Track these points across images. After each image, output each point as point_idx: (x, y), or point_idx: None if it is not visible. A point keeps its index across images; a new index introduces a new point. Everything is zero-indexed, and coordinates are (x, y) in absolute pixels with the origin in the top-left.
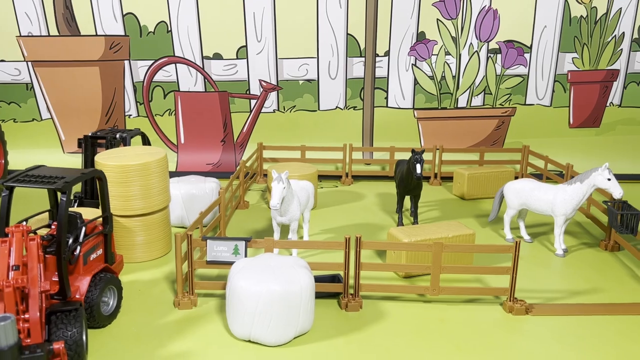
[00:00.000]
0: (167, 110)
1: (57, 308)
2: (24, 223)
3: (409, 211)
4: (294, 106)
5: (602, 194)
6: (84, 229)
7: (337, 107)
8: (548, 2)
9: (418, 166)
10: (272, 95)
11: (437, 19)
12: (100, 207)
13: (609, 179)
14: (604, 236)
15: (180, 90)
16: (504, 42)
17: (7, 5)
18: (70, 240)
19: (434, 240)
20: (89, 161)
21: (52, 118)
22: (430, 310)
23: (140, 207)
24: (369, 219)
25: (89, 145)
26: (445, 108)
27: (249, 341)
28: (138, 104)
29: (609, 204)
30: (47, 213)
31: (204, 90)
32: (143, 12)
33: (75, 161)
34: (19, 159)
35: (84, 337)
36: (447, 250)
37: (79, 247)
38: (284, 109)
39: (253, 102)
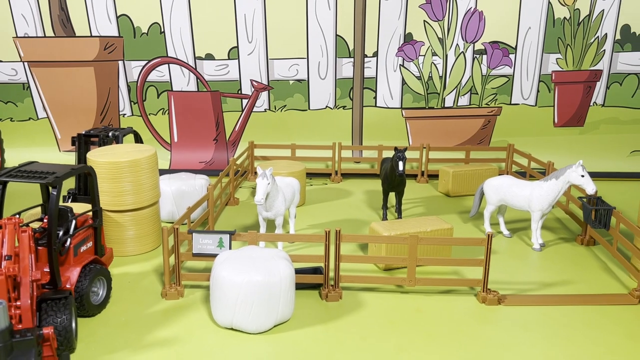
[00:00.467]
0: (160, 110)
1: (47, 296)
2: (17, 216)
3: (394, 207)
4: (285, 105)
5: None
6: (74, 222)
7: (327, 106)
8: (532, 4)
9: (400, 163)
10: (263, 95)
11: (424, 21)
12: (90, 201)
13: (582, 176)
14: (580, 231)
15: (174, 90)
16: (489, 43)
17: (4, 6)
18: (61, 233)
19: (412, 234)
20: (82, 159)
21: (48, 117)
22: (407, 301)
23: (131, 203)
24: (355, 215)
25: (82, 144)
26: (432, 108)
27: (232, 329)
28: (132, 103)
29: (584, 200)
30: (39, 207)
31: (196, 90)
32: (137, 14)
33: (70, 159)
34: (15, 157)
35: (73, 324)
36: (422, 243)
37: (69, 239)
38: (275, 109)
39: (245, 101)
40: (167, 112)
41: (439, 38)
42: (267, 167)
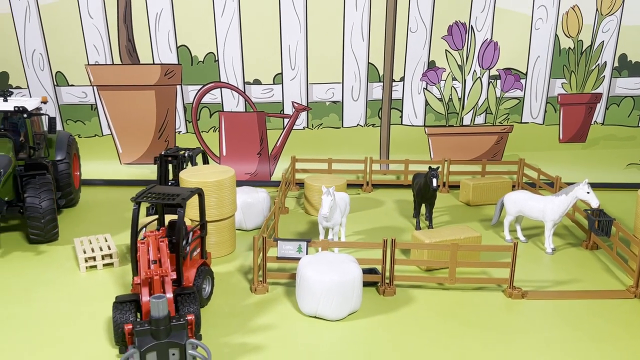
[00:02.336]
0: (212, 128)
1: (179, 291)
2: (144, 229)
3: (424, 216)
4: (321, 124)
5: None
6: (190, 233)
7: (358, 124)
8: (541, 36)
9: (434, 180)
10: (303, 115)
11: (446, 50)
12: (199, 215)
13: (588, 192)
14: (585, 237)
15: (224, 110)
16: (503, 69)
17: (78, 38)
18: (184, 242)
19: (450, 241)
20: (163, 174)
21: (111, 134)
22: (448, 296)
23: (215, 215)
24: (390, 222)
25: (163, 162)
26: (452, 125)
27: (315, 317)
28: (187, 122)
29: (589, 212)
30: (155, 221)
31: (244, 111)
32: (194, 45)
33: (130, 171)
34: (83, 169)
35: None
36: (461, 250)
37: (187, 247)
38: (313, 126)
39: (286, 120)
40: (217, 129)
41: (458, 65)
42: (315, 181)
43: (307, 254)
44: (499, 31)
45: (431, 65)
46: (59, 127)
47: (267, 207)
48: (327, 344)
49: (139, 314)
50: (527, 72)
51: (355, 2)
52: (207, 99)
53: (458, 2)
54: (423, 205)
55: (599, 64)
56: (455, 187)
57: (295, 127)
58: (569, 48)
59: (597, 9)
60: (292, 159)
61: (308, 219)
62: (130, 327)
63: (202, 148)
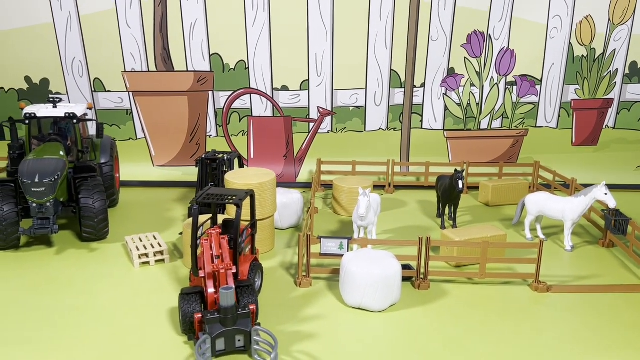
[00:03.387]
0: (241, 131)
1: (238, 284)
2: (200, 228)
3: (447, 216)
4: (345, 128)
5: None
6: (245, 231)
7: (380, 128)
8: (555, 44)
9: (460, 182)
10: (327, 119)
11: (465, 57)
12: (250, 215)
13: (605, 194)
14: (601, 236)
15: (253, 115)
16: (519, 76)
17: (116, 47)
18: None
19: (479, 239)
20: (204, 176)
21: (145, 137)
22: (479, 289)
23: (257, 214)
24: (414, 222)
25: (204, 165)
26: (470, 129)
27: (359, 308)
28: (218, 126)
29: (606, 211)
30: (209, 221)
31: (272, 116)
32: (226, 53)
33: (162, 173)
34: None
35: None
36: (491, 247)
37: (242, 244)
38: (337, 130)
39: (311, 124)
40: (246, 133)
41: (476, 72)
42: (345, 182)
43: (347, 250)
44: (516, 40)
45: (451, 72)
46: None
47: (300, 208)
48: (374, 332)
49: (202, 305)
50: (542, 79)
51: (379, 12)
52: (237, 104)
53: (477, 13)
54: (447, 205)
55: (610, 71)
56: (473, 188)
57: (320, 131)
58: (582, 56)
59: (609, 19)
60: (317, 161)
61: (337, 219)
62: (200, 316)
63: (238, 152)
